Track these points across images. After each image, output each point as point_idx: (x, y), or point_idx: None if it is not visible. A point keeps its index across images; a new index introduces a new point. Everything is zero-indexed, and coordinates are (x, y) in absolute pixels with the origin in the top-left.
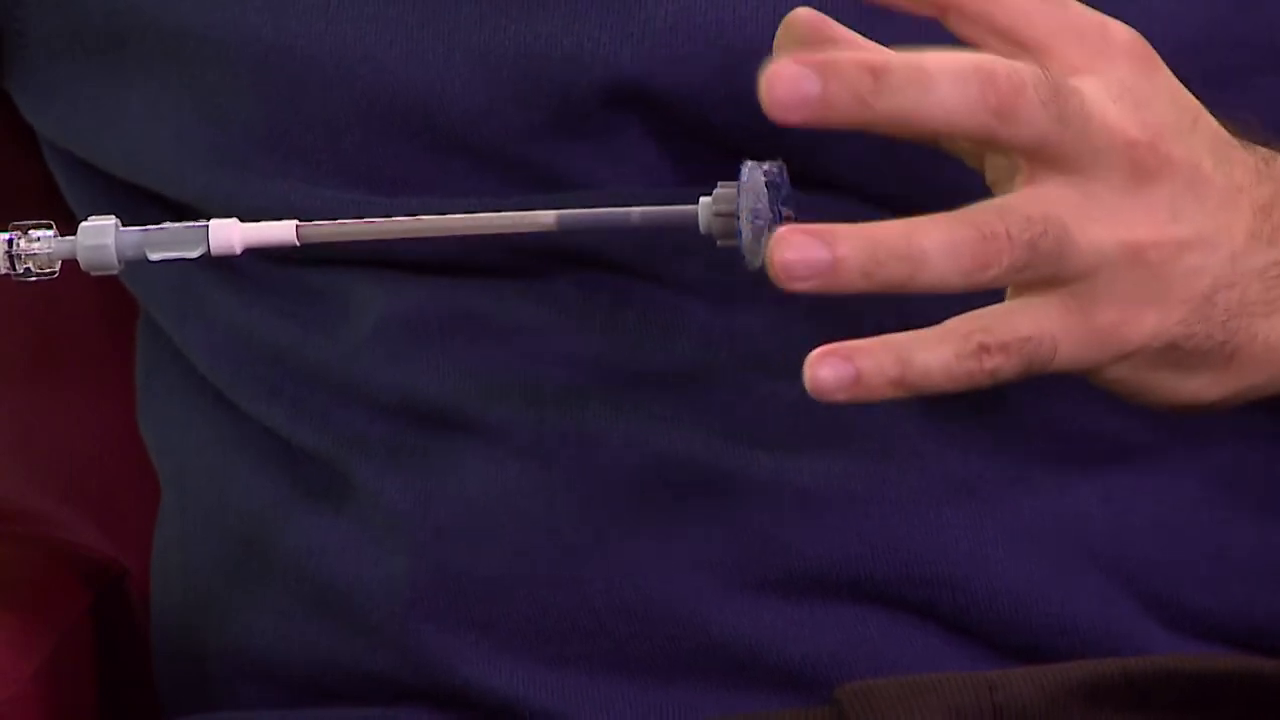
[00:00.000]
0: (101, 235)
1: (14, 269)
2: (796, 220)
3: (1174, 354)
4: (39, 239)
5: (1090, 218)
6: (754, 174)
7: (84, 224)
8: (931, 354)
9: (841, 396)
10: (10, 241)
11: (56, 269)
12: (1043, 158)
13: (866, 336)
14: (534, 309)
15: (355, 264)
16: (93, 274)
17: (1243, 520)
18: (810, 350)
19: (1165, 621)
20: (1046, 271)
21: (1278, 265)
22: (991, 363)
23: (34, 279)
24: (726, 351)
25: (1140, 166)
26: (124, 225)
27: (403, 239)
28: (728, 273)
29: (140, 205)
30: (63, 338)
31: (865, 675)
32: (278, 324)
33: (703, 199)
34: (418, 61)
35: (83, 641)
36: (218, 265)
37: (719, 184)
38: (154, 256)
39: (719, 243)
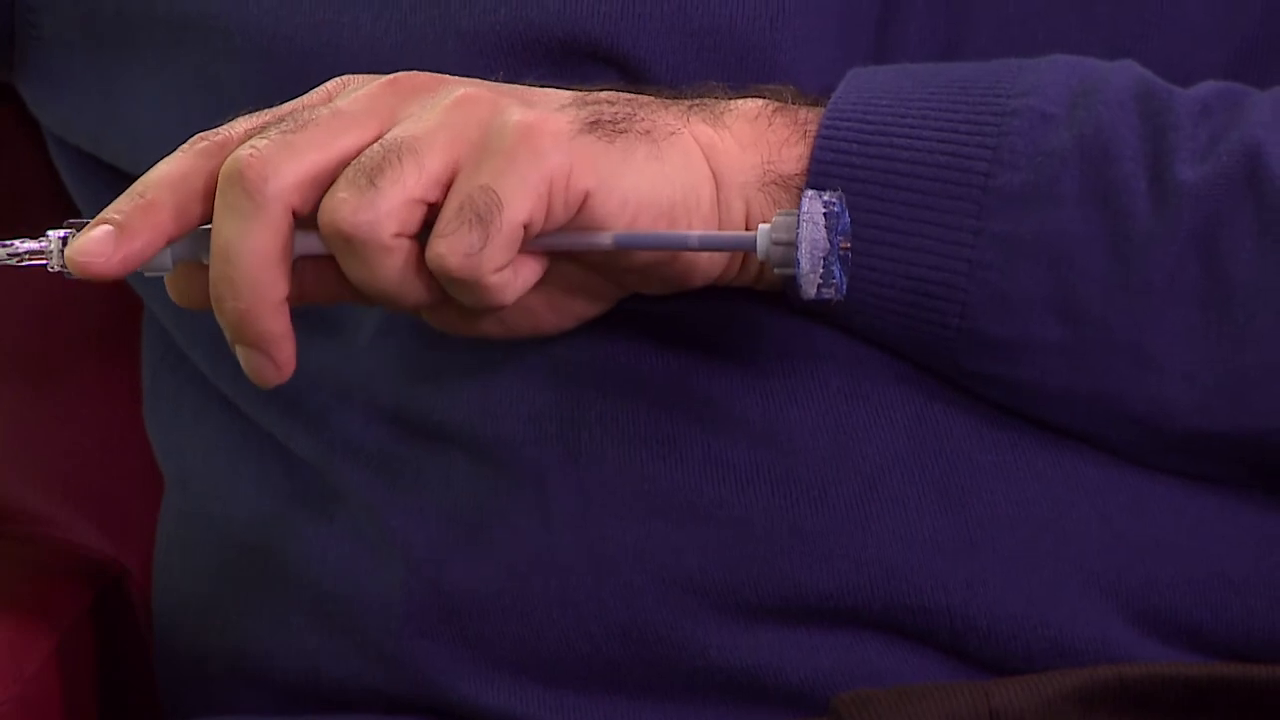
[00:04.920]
0: None
1: (67, 267)
2: (851, 252)
3: (599, 129)
4: None
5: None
6: (813, 204)
7: None
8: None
9: None
10: (65, 240)
11: None
12: None
13: None
14: None
15: None
16: (147, 274)
17: (1240, 538)
18: (812, 377)
19: (1163, 639)
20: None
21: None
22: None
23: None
24: (724, 375)
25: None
26: None
27: None
28: (725, 292)
29: None
30: (63, 337)
31: None
32: None
33: (762, 226)
34: (413, 48)
35: (83, 641)
36: None
37: (777, 212)
38: (208, 260)
39: (775, 270)
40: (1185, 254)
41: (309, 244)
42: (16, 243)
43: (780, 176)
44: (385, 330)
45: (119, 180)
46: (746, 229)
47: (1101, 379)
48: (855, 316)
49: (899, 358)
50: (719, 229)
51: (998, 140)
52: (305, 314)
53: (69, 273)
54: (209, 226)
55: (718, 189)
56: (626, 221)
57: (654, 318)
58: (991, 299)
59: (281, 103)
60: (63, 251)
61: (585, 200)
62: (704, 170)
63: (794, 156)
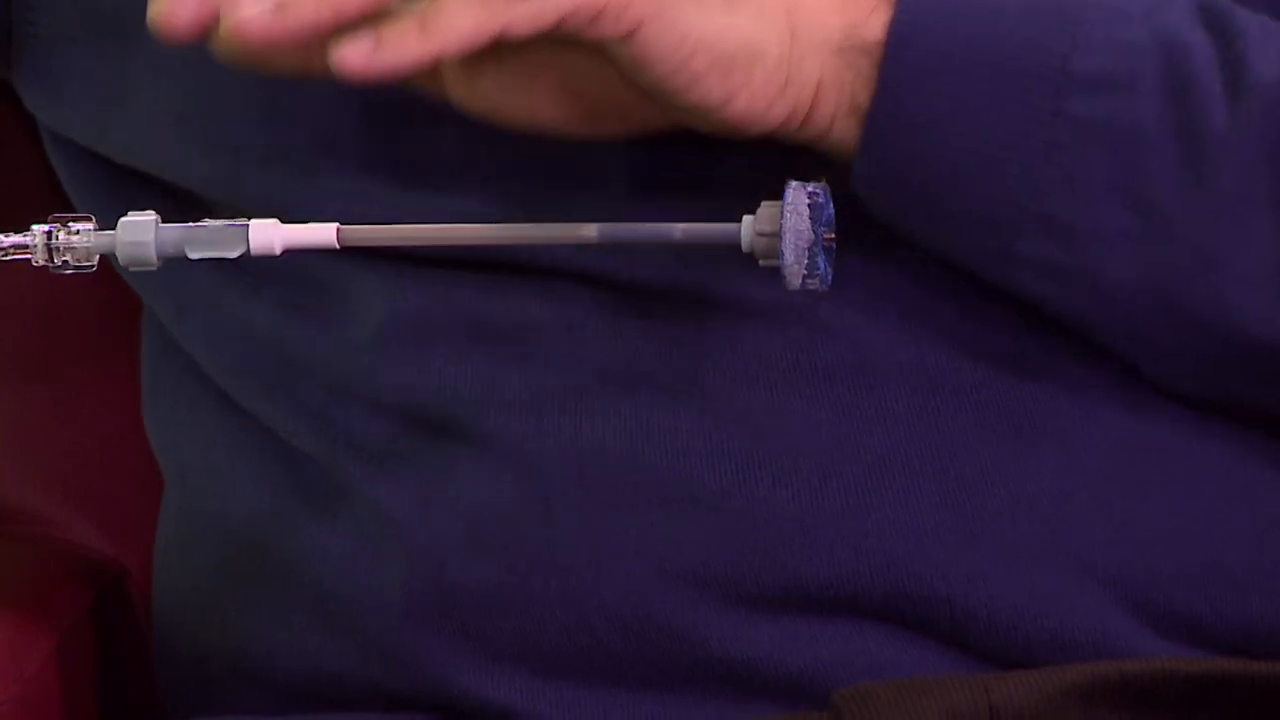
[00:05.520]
0: (141, 231)
1: (52, 260)
2: (836, 242)
3: None
4: (79, 232)
5: None
6: (797, 194)
7: (124, 219)
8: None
9: (366, 69)
10: (50, 234)
11: (95, 263)
12: None
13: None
14: (538, 310)
15: (357, 254)
16: (131, 269)
17: (1239, 530)
18: (814, 367)
19: (1162, 632)
20: None
21: None
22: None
23: (71, 271)
24: (726, 365)
25: None
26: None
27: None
28: (729, 285)
29: (141, 195)
30: (63, 336)
31: None
32: (277, 316)
33: (746, 218)
34: None
35: (83, 641)
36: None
37: (762, 203)
38: (193, 255)
39: (760, 262)
40: (1256, 158)
41: None
42: (1, 237)
43: (863, 42)
44: (387, 326)
45: (116, 174)
46: (816, 96)
47: (1163, 274)
48: (927, 192)
49: (901, 346)
50: (785, 86)
51: (1076, 27)
52: (302, 308)
53: (54, 267)
54: (198, 225)
55: (792, 46)
56: (680, 60)
57: (655, 308)
58: (1064, 181)
59: (279, 98)
60: (48, 246)
61: (639, 29)
62: (779, 26)
63: (880, 24)
